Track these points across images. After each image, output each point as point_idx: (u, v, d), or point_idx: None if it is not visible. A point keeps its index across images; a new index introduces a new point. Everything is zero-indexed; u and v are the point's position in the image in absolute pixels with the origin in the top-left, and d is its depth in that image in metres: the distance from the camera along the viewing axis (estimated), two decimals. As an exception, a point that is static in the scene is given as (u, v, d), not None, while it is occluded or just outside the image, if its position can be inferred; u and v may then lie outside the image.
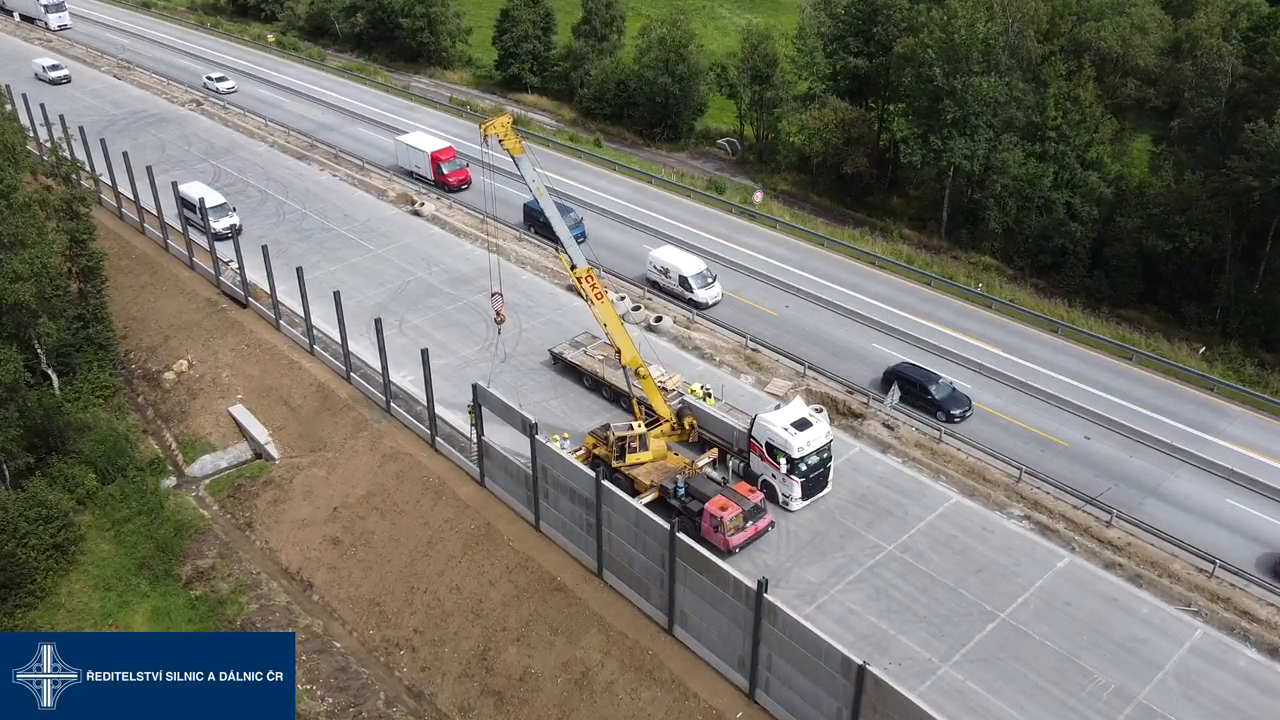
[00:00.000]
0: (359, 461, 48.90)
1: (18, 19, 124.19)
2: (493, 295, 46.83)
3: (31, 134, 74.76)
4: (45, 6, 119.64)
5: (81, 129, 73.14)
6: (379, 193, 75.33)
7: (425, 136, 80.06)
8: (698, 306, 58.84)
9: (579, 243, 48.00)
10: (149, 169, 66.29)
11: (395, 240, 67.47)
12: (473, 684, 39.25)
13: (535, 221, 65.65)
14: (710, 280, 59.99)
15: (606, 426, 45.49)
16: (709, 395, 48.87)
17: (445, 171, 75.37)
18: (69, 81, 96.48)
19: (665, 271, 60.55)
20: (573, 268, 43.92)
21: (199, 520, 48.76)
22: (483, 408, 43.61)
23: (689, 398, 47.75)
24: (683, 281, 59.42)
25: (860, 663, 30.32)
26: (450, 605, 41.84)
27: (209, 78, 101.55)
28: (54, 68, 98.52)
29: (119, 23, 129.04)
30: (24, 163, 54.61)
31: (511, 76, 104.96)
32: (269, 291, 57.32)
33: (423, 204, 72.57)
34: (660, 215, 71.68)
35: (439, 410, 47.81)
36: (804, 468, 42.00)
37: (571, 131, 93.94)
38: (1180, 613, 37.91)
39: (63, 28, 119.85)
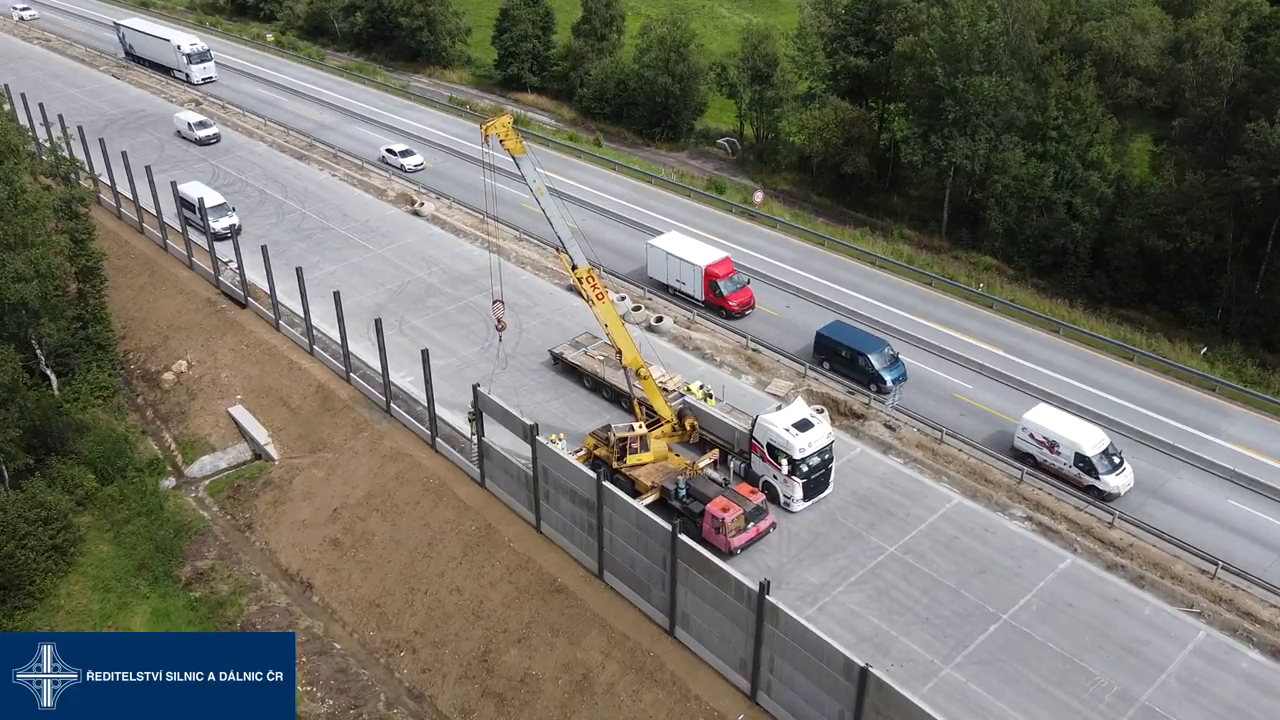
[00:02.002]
0: (359, 462, 48.79)
1: (146, 67, 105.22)
2: (494, 303, 46.83)
3: (31, 134, 74.59)
4: (187, 56, 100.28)
5: (80, 128, 72.99)
6: (378, 192, 75.20)
7: (690, 242, 61.16)
8: (1103, 497, 43.38)
9: (896, 385, 48.93)
10: (148, 169, 66.19)
11: (395, 240, 67.35)
12: (473, 686, 39.14)
13: (834, 356, 51.57)
14: (1118, 459, 44.26)
15: (607, 427, 45.39)
16: (709, 396, 48.77)
17: (724, 292, 57.43)
18: (218, 141, 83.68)
19: (1051, 445, 44.45)
20: (574, 268, 43.81)
21: (198, 521, 48.66)
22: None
23: (690, 398, 47.65)
24: (1081, 461, 43.62)
25: (862, 664, 30.21)
26: (451, 606, 41.73)
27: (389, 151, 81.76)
28: (201, 124, 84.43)
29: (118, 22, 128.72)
30: (25, 164, 54.55)
31: (511, 76, 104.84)
32: (268, 292, 57.19)
33: (422, 204, 72.44)
34: (660, 215, 71.58)
35: (439, 411, 47.69)
36: (805, 469, 41.90)
37: (571, 131, 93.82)
38: (1183, 614, 37.81)
39: (207, 80, 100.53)
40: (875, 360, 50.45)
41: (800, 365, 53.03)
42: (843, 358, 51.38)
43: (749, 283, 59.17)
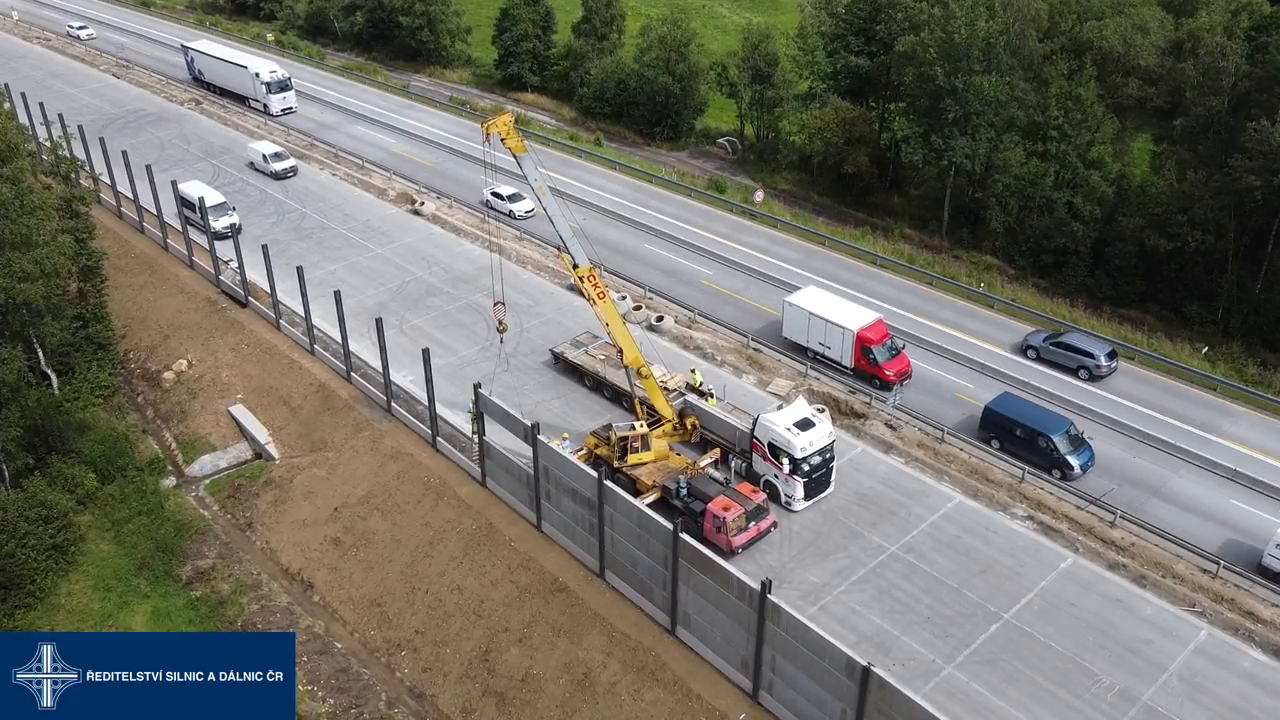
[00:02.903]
0: (360, 462, 48.74)
1: (216, 94, 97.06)
2: (495, 305, 46.81)
3: (31, 133, 74.52)
4: (266, 85, 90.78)
5: (80, 128, 72.94)
6: (379, 192, 75.15)
7: (835, 301, 54.33)
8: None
9: (1085, 471, 44.02)
10: (148, 168, 66.14)
11: (395, 239, 67.31)
12: (474, 685, 39.09)
13: (1007, 434, 46.30)
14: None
15: (608, 426, 45.35)
16: (710, 395, 48.73)
17: (879, 360, 50.54)
18: (295, 174, 77.12)
19: None
20: (574, 267, 43.76)
21: (199, 520, 48.60)
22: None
23: (691, 397, 47.60)
24: None
25: (864, 664, 30.16)
26: (452, 606, 41.68)
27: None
28: (278, 156, 77.39)
29: (119, 22, 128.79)
30: (27, 164, 54.53)
31: (511, 75, 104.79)
32: (269, 291, 57.15)
33: (423, 203, 72.40)
34: (661, 214, 71.58)
35: (440, 410, 47.65)
36: (807, 468, 41.87)
37: (571, 130, 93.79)
38: (1185, 614, 37.78)
39: (287, 111, 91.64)
40: (1059, 442, 44.58)
41: (801, 365, 53.00)
42: (1018, 437, 45.59)
43: (904, 347, 52.75)
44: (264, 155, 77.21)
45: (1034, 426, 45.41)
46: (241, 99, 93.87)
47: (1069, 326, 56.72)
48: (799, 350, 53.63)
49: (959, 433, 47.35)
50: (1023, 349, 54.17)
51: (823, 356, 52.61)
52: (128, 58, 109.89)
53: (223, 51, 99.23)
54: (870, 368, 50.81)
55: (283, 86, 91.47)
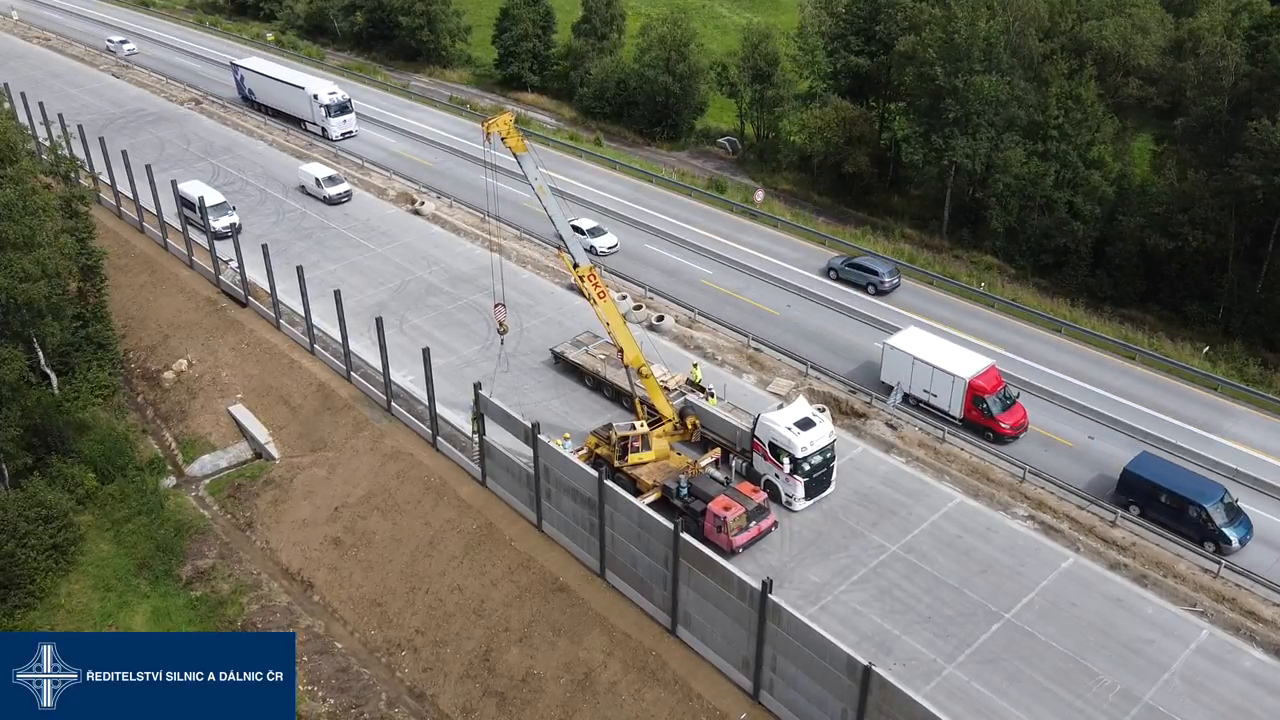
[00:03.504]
0: (360, 461, 48.70)
1: (268, 115, 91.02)
2: (495, 306, 46.77)
3: (30, 133, 74.50)
4: (326, 108, 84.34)
5: (80, 127, 72.90)
6: (379, 191, 75.12)
7: (941, 345, 50.19)
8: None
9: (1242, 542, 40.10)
10: (148, 168, 66.11)
11: (396, 239, 67.26)
12: (475, 685, 39.05)
13: (1150, 500, 42.10)
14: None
15: (609, 426, 45.31)
16: (710, 394, 48.69)
17: (994, 412, 46.70)
18: (349, 199, 72.70)
19: None
20: (575, 266, 43.72)
21: (199, 520, 48.56)
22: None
23: (693, 396, 47.56)
24: None
25: (865, 663, 30.12)
26: (452, 606, 41.64)
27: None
28: (332, 180, 72.63)
29: (118, 21, 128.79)
30: (28, 164, 54.56)
31: (511, 75, 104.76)
32: (269, 290, 57.12)
33: (423, 203, 72.36)
34: (661, 214, 71.53)
35: (440, 410, 47.61)
36: (807, 467, 41.83)
37: (571, 130, 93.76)
38: (1186, 613, 37.74)
39: (347, 135, 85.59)
40: (1214, 512, 40.39)
41: (802, 364, 52.96)
42: (1163, 504, 41.63)
43: (1019, 395, 48.76)
44: (317, 179, 72.50)
45: (1184, 494, 41.11)
46: (296, 121, 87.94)
47: (863, 250, 65.11)
48: (907, 399, 49.66)
49: (1090, 495, 43.84)
50: (826, 271, 62.18)
51: (927, 404, 48.71)
52: (127, 57, 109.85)
53: (276, 70, 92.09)
54: (983, 419, 46.91)
55: (343, 109, 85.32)
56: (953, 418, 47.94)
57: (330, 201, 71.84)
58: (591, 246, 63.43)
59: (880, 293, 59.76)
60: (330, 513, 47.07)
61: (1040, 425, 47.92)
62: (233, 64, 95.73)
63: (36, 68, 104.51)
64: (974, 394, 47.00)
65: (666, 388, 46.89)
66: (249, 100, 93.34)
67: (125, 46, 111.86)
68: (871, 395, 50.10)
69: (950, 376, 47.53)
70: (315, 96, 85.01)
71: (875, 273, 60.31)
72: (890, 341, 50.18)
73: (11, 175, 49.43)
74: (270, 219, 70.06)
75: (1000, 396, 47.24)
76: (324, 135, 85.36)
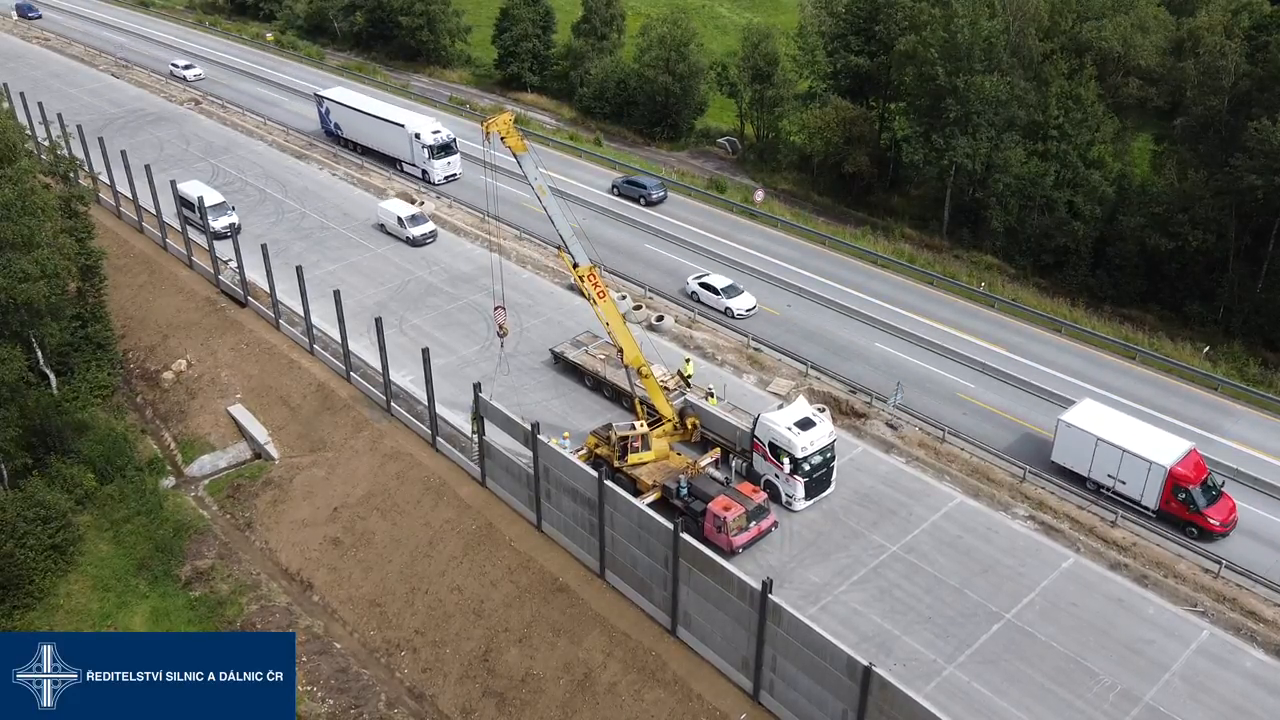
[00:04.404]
0: (359, 461, 48.64)
1: (355, 152, 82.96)
2: (495, 309, 46.68)
3: (30, 133, 74.45)
4: (429, 148, 75.71)
5: (80, 127, 72.82)
6: (379, 191, 75.04)
7: (1132, 424, 44.16)
8: None
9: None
10: (147, 168, 66.06)
11: (395, 239, 67.15)
12: (474, 685, 39.01)
13: None
14: None
15: (608, 426, 45.26)
16: (710, 394, 48.65)
17: (1200, 505, 40.90)
18: (435, 239, 66.78)
19: None
20: (575, 266, 43.67)
21: (198, 521, 48.50)
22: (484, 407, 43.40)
23: (691, 396, 47.51)
24: None
25: (865, 664, 30.08)
26: (451, 606, 41.59)
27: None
28: (415, 219, 66.65)
29: (118, 21, 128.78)
30: (27, 164, 54.57)
31: (511, 75, 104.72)
32: (268, 290, 57.06)
33: (423, 203, 72.30)
34: (661, 214, 71.53)
35: (440, 410, 47.55)
36: (807, 467, 41.78)
37: (571, 130, 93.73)
38: (1186, 613, 37.69)
39: (450, 179, 76.87)
40: None
41: (802, 364, 52.91)
42: None
43: (1224, 484, 42.52)
44: (399, 218, 66.41)
45: None
46: (391, 160, 79.70)
47: (639, 170, 77.68)
48: (1071, 478, 44.14)
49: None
50: (610, 189, 74.69)
51: (1113, 492, 43.00)
52: (126, 58, 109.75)
53: (370, 105, 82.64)
54: (1186, 513, 41.03)
55: (446, 150, 76.31)
56: (1145, 509, 42.24)
57: (414, 243, 65.59)
58: (727, 308, 57.91)
59: (650, 204, 72.74)
60: (330, 513, 47.02)
61: (1041, 425, 47.88)
62: (317, 95, 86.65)
63: (36, 68, 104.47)
64: (1174, 484, 40.99)
65: (666, 388, 46.83)
66: (334, 135, 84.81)
67: (191, 72, 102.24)
68: (871, 395, 50.04)
69: (1145, 463, 41.58)
70: (417, 135, 75.71)
71: (644, 187, 73.50)
72: (1067, 419, 44.13)
73: (10, 175, 49.36)
74: (270, 219, 70.01)
75: (1205, 486, 41.24)
76: (424, 178, 76.86)
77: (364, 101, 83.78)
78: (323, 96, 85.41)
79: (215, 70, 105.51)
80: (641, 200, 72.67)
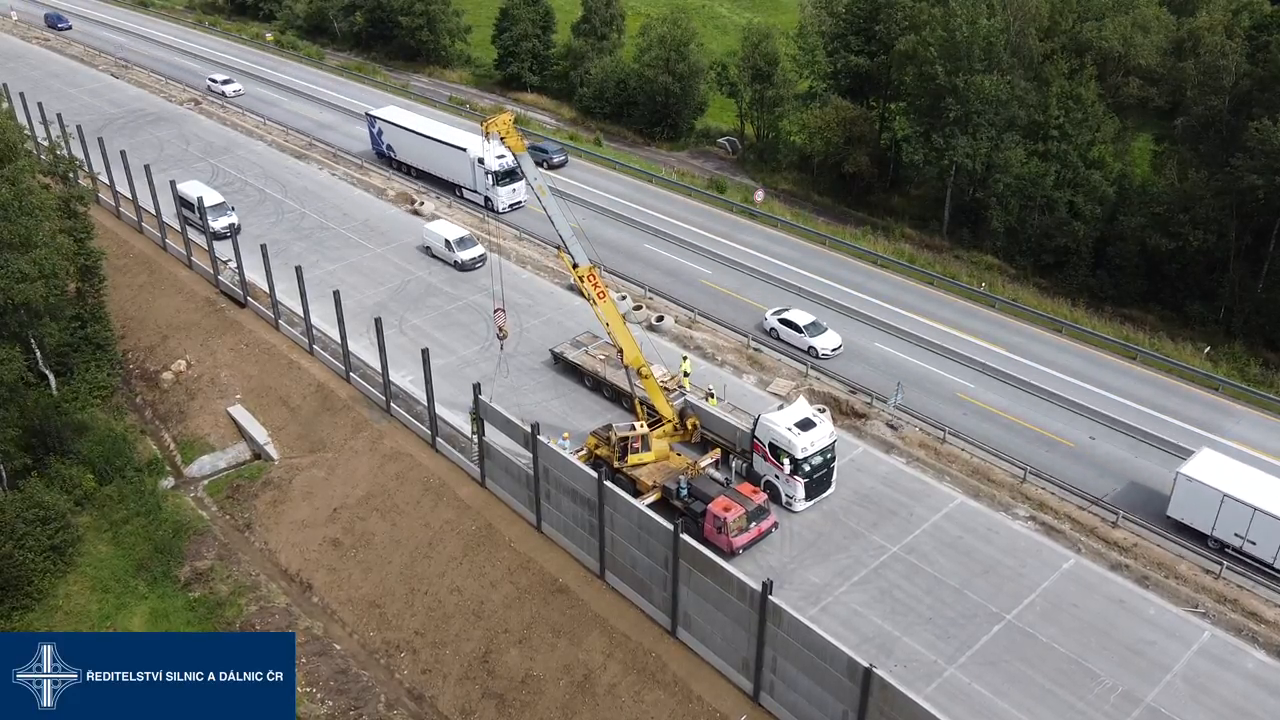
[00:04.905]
0: (359, 462, 48.57)
1: (410, 175, 78.42)
2: (495, 311, 46.57)
3: (29, 133, 74.39)
4: (493, 175, 70.28)
5: (79, 127, 72.75)
6: (378, 191, 75.00)
7: (1257, 477, 41.29)
8: None
9: None
10: (147, 168, 65.99)
11: (395, 239, 67.13)
12: (474, 686, 38.94)
13: None
14: None
15: (608, 427, 45.17)
16: (710, 395, 48.58)
17: None
18: (484, 264, 62.40)
19: None
20: (574, 266, 43.61)
21: (197, 521, 48.43)
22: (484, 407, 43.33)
23: (691, 396, 47.45)
24: None
25: (866, 665, 30.01)
26: (451, 607, 41.52)
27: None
28: (464, 243, 63.12)
29: (117, 21, 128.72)
30: (26, 164, 54.53)
31: (511, 75, 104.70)
32: (268, 291, 56.99)
33: (422, 203, 72.24)
34: (661, 214, 71.48)
35: (439, 410, 47.48)
36: (808, 468, 41.70)
37: (571, 130, 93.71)
38: (1187, 614, 37.63)
39: (515, 207, 72.03)
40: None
41: (802, 365, 52.86)
42: None
43: None
44: (446, 241, 62.93)
45: None
46: (448, 186, 75.03)
47: (547, 140, 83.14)
48: (1196, 537, 41.03)
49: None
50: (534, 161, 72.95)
51: (1239, 552, 39.93)
52: (126, 57, 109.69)
53: (428, 126, 77.28)
54: None
55: (511, 176, 70.64)
56: (1277, 572, 39.31)
57: (462, 268, 62.31)
58: (811, 348, 53.70)
59: (551, 167, 78.42)
60: (329, 514, 46.95)
61: (1041, 425, 47.82)
62: (368, 115, 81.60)
63: (36, 68, 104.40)
64: None
65: (666, 388, 46.77)
66: (385, 157, 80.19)
67: (230, 87, 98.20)
68: (872, 395, 49.98)
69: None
70: (480, 161, 68.94)
71: (546, 152, 79.72)
72: (1188, 471, 41.27)
73: (7, 175, 49.29)
74: (269, 219, 69.94)
75: None
76: (486, 206, 71.83)
77: (420, 122, 78.60)
78: (374, 116, 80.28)
79: (216, 70, 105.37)
80: (544, 164, 77.70)
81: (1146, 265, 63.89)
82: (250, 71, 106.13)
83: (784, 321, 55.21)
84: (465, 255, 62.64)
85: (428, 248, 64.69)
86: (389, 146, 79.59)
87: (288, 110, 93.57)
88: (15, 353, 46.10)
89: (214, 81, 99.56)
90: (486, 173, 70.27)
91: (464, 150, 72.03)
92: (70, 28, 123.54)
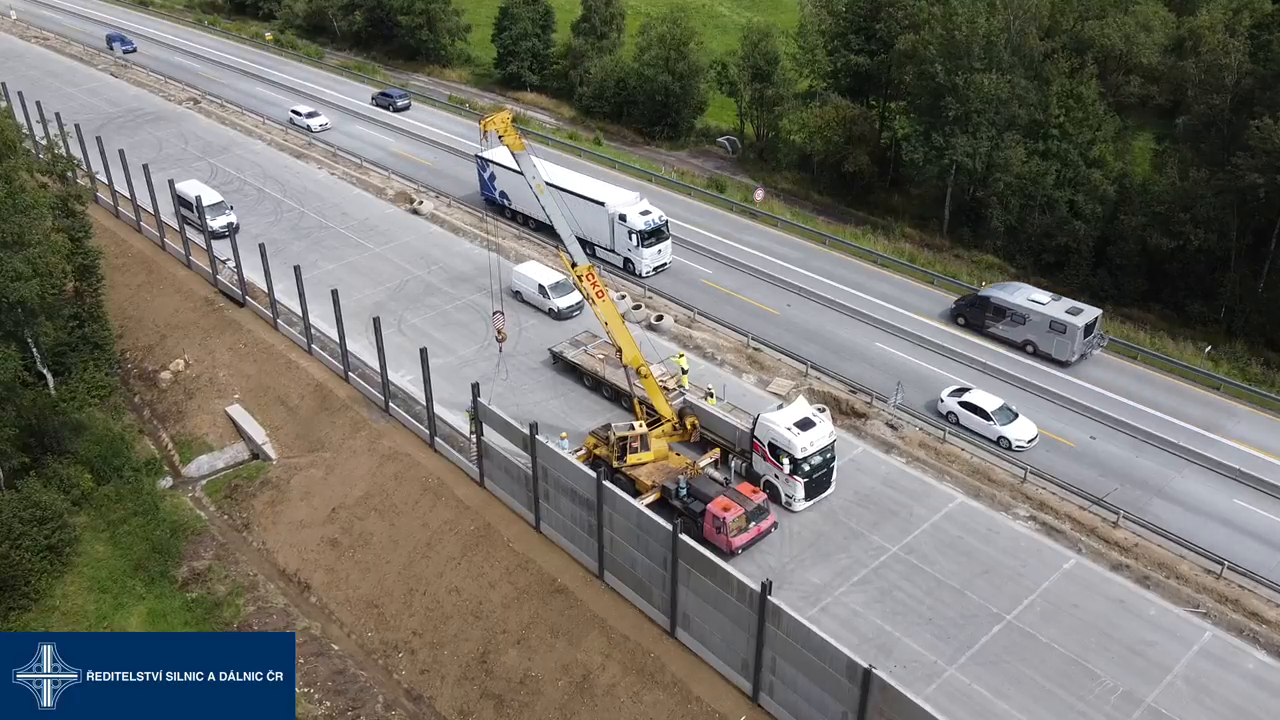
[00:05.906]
0: (357, 462, 48.46)
1: (520, 225, 69.22)
2: (494, 314, 46.42)
3: (27, 132, 74.28)
4: (639, 234, 61.19)
5: (78, 126, 72.63)
6: (377, 191, 74.90)
7: None
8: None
9: None
10: (145, 167, 65.88)
11: (394, 239, 67.03)
12: (472, 687, 38.82)
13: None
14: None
15: (607, 426, 45.05)
16: (710, 395, 48.46)
17: None
18: (580, 312, 56.58)
19: None
20: (573, 265, 43.50)
21: (195, 521, 48.31)
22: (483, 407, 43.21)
23: (690, 396, 47.33)
24: None
25: (865, 665, 29.88)
26: (450, 607, 41.40)
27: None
28: (558, 287, 57.14)
29: (118, 21, 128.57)
30: (22, 162, 54.43)
31: (511, 74, 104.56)
32: (266, 290, 56.88)
33: (421, 202, 72.13)
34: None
35: (438, 410, 47.37)
36: (807, 468, 41.58)
37: (571, 130, 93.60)
38: (1188, 615, 37.51)
39: (660, 269, 62.73)
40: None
41: (802, 364, 52.73)
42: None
43: None
44: (541, 286, 57.11)
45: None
46: (590, 246, 61.99)
47: (397, 90, 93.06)
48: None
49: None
50: (370, 101, 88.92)
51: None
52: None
53: (555, 174, 56.84)
54: None
55: (658, 235, 61.83)
56: None
57: (559, 316, 56.55)
58: (1001, 438, 46.68)
59: (396, 110, 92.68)
60: (327, 513, 46.84)
61: (1041, 425, 47.66)
62: (479, 158, 70.83)
63: (34, 67, 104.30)
64: None
65: (665, 388, 46.66)
66: (497, 204, 70.55)
67: (316, 121, 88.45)
68: (872, 395, 49.84)
69: None
70: (622, 218, 61.49)
71: (391, 97, 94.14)
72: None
73: (1, 173, 49.17)
74: (268, 218, 69.83)
75: None
76: (625, 268, 62.60)
77: (547, 170, 62.10)
78: (486, 159, 69.28)
79: (215, 70, 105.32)
80: (390, 108, 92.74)
81: (1147, 264, 63.72)
82: (250, 70, 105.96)
83: (965, 405, 47.67)
84: (562, 303, 56.56)
85: (517, 292, 58.53)
86: (502, 194, 69.64)
87: (287, 110, 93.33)
88: (12, 352, 45.95)
89: (297, 114, 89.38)
90: (630, 232, 61.24)
91: (602, 205, 62.05)
92: (135, 50, 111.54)
